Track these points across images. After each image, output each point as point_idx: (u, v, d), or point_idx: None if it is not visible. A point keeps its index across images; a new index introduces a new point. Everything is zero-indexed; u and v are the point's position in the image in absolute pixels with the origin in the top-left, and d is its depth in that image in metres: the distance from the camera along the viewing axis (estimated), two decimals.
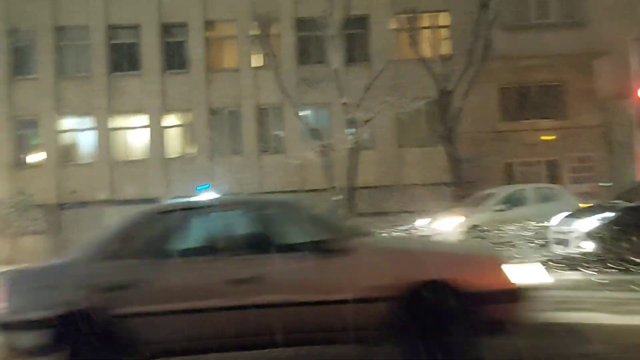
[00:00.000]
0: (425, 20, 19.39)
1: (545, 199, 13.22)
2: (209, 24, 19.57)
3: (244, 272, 3.79)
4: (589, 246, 8.29)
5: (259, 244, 4.04)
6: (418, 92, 16.84)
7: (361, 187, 17.36)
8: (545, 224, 10.15)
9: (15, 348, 3.88)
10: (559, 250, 9.04)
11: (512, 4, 17.68)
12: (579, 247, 8.53)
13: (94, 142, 19.28)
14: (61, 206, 18.82)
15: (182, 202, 5.53)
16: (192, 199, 7.77)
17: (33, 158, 19.15)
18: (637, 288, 6.52)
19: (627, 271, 7.50)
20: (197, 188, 18.73)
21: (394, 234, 12.06)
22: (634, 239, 7.72)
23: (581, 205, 11.15)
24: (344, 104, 16.75)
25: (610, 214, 8.48)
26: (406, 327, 3.65)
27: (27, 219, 17.24)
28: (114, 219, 18.91)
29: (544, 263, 6.33)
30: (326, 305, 3.72)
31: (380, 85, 16.69)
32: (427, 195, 15.44)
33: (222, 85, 19.39)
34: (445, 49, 18.98)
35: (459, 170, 16.62)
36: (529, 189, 13.87)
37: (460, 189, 16.14)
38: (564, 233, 9.14)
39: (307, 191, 19.06)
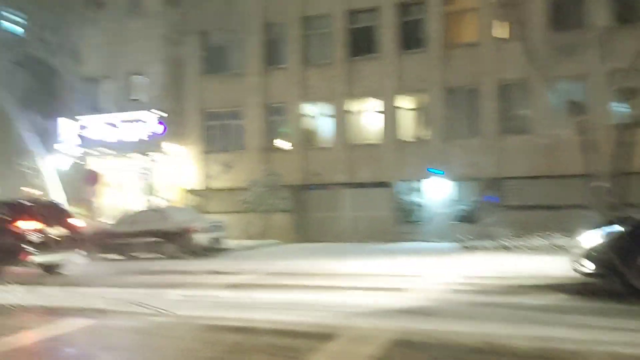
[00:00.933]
0: None
1: None
2: None
3: None
4: (590, 266, 7.06)
5: None
6: None
7: (635, 172, 14.38)
8: None
9: None
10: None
11: None
12: (582, 266, 7.16)
13: (333, 126, 20.08)
14: (305, 187, 20.12)
15: None
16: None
17: (281, 142, 20.87)
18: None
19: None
20: (429, 170, 18.10)
21: None
22: None
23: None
24: (611, 72, 14.00)
25: (619, 228, 7.04)
26: None
27: (277, 198, 18.82)
28: (351, 200, 19.76)
29: None
30: None
31: None
32: None
33: (460, 62, 18.23)
34: None
35: None
36: None
37: None
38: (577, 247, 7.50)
39: (557, 177, 16.77)
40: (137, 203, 19.79)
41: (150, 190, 19.35)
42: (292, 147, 20.39)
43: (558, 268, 8.52)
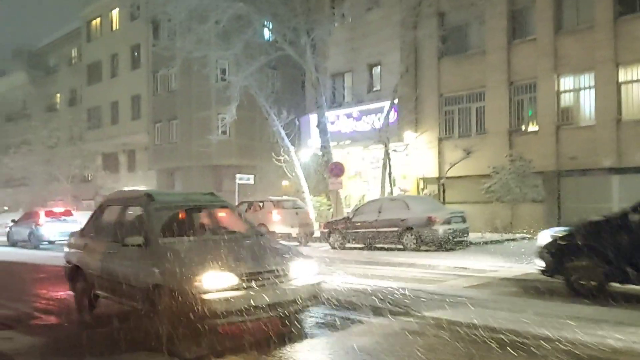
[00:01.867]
0: None
1: None
2: None
3: None
4: (540, 264, 7.53)
5: None
6: None
7: None
8: None
9: None
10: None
11: None
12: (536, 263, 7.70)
13: (594, 101, 16.99)
14: (559, 173, 17.55)
15: None
16: None
17: (530, 123, 18.57)
18: None
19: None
20: None
21: None
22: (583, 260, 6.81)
23: None
24: None
25: (563, 229, 7.60)
26: None
27: (526, 186, 16.77)
28: (620, 189, 16.41)
29: None
30: None
31: None
32: None
33: None
34: None
35: None
36: None
37: None
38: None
39: None
40: (376, 193, 19.95)
41: (388, 180, 19.26)
42: (541, 128, 17.96)
43: None
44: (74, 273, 7.23)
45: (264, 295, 5.02)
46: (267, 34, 23.27)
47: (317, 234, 17.64)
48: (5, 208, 32.19)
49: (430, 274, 9.79)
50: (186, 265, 5.09)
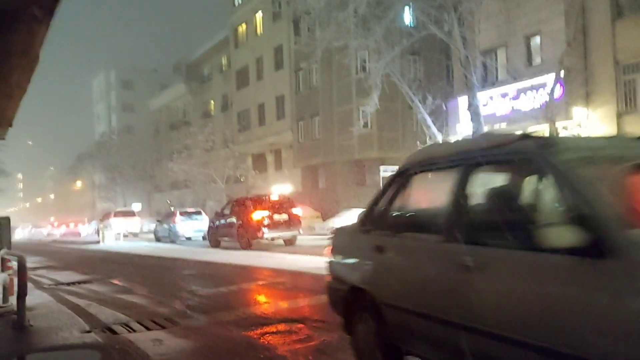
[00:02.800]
0: None
1: None
2: None
3: None
4: None
5: None
6: None
7: None
8: None
9: None
10: None
11: None
12: None
13: None
14: None
15: None
16: None
17: None
18: None
19: None
20: None
21: None
22: None
23: None
24: None
25: None
26: None
27: None
28: None
29: None
30: None
31: None
32: None
33: None
34: None
35: None
36: None
37: None
38: None
39: None
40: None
41: None
42: None
43: None
44: (351, 301, 3.88)
45: None
46: (408, 17, 21.98)
47: None
48: (172, 208, 35.17)
49: None
50: None
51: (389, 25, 19.27)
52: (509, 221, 2.70)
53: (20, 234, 50.01)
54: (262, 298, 7.92)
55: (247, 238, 17.46)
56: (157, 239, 26.10)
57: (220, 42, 44.75)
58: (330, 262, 4.25)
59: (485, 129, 18.80)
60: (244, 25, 39.85)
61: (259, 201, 18.30)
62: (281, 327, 5.54)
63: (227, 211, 19.32)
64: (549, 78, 17.33)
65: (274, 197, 18.83)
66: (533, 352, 2.37)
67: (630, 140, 3.00)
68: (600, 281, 2.14)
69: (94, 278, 10.96)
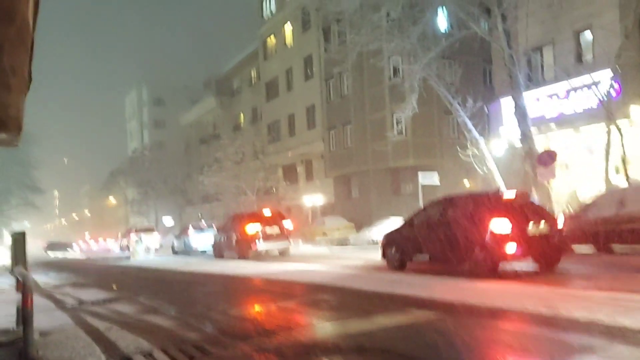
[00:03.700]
0: None
1: None
2: None
3: None
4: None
5: None
6: None
7: None
8: None
9: None
10: None
11: None
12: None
13: None
14: None
15: None
16: None
17: None
18: None
19: None
20: None
21: None
22: None
23: None
24: None
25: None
26: None
27: None
28: None
29: None
30: None
31: None
32: None
33: None
34: None
35: None
36: None
37: None
38: None
39: None
40: (596, 184, 16.15)
41: (618, 166, 15.38)
42: None
43: None
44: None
45: None
46: (444, 19, 20.99)
47: None
48: (202, 221, 34.75)
49: None
50: None
51: (425, 27, 18.35)
52: None
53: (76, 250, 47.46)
54: (304, 319, 6.95)
55: (244, 250, 18.70)
56: (175, 252, 27.35)
57: (249, 55, 44.49)
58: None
59: (533, 130, 17.54)
60: (272, 38, 39.45)
61: (253, 216, 19.91)
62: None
63: (227, 226, 20.73)
64: (602, 75, 16.02)
65: (267, 212, 19.95)
66: None
67: None
68: None
69: (119, 296, 10.23)
